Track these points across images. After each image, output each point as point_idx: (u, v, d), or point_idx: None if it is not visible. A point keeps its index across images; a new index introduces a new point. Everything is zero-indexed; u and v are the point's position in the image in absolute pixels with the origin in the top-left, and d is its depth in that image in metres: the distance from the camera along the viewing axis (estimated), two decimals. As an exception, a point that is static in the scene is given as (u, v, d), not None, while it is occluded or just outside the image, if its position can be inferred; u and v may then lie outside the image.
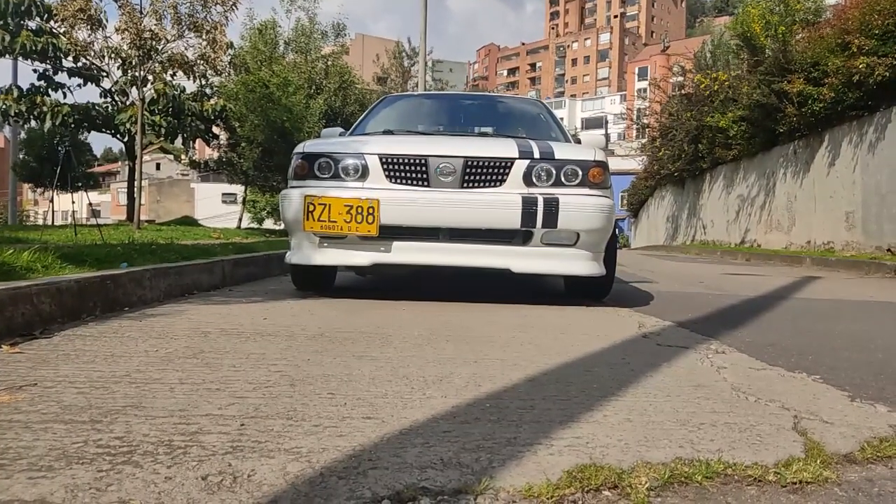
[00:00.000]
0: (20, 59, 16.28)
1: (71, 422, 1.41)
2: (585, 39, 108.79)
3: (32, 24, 16.17)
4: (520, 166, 3.65)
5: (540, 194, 3.57)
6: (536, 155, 3.69)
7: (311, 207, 3.52)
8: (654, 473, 1.21)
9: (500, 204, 3.55)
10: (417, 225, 3.58)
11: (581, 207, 3.58)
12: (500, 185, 3.63)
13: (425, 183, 3.61)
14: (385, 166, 3.66)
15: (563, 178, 3.66)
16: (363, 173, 3.67)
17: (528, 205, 3.53)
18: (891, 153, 9.30)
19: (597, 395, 1.76)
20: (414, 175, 3.63)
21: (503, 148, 3.75)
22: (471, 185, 3.62)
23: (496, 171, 3.63)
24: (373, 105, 5.58)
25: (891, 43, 9.24)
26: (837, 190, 10.71)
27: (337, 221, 3.51)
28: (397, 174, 3.64)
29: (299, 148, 3.94)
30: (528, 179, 3.64)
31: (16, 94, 17.03)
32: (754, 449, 1.37)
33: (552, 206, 3.54)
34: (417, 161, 3.64)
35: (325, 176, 3.72)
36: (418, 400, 1.67)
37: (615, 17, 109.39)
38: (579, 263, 3.68)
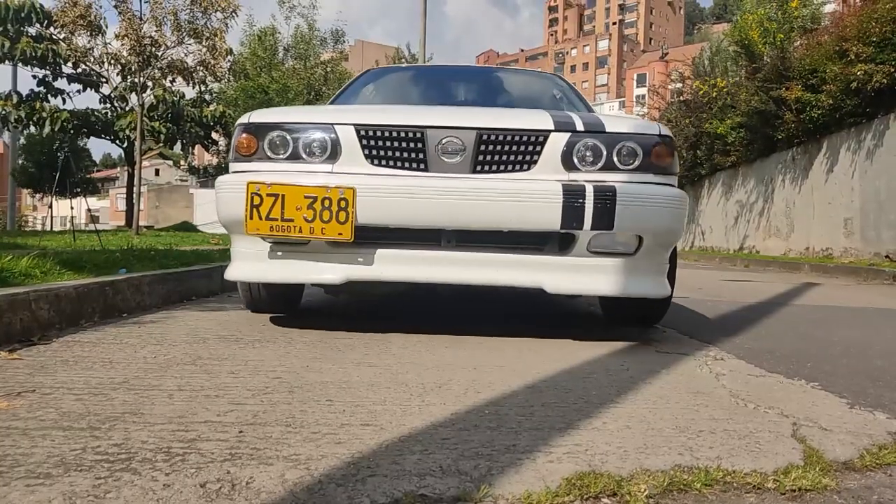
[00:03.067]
0: (20, 64, 16.32)
1: (69, 428, 1.41)
2: (584, 46, 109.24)
3: (32, 31, 16.22)
4: (557, 142, 2.57)
5: (588, 182, 2.51)
6: (579, 127, 2.60)
7: (258, 200, 2.43)
8: (653, 481, 1.21)
9: (532, 195, 2.47)
10: (411, 225, 2.52)
11: (647, 201, 2.52)
12: (529, 168, 2.56)
13: (422, 166, 2.55)
14: (365, 142, 2.57)
15: (616, 160, 2.59)
16: (333, 152, 2.58)
17: (573, 196, 2.45)
18: (889, 160, 9.32)
19: (595, 402, 1.76)
20: (406, 154, 2.57)
21: (532, 118, 2.68)
22: (487, 168, 2.56)
23: (523, 148, 2.56)
24: (350, 81, 4.37)
25: (888, 50, 9.28)
26: (836, 196, 10.74)
27: (294, 220, 2.43)
28: (382, 153, 2.57)
29: (244, 118, 2.75)
30: (568, 161, 2.56)
31: (15, 99, 17.08)
32: (753, 456, 1.37)
33: (607, 199, 2.46)
34: (411, 135, 2.55)
35: (280, 155, 2.61)
36: (417, 407, 1.66)
37: (614, 24, 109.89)
38: (640, 280, 2.63)
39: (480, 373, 2.09)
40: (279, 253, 2.64)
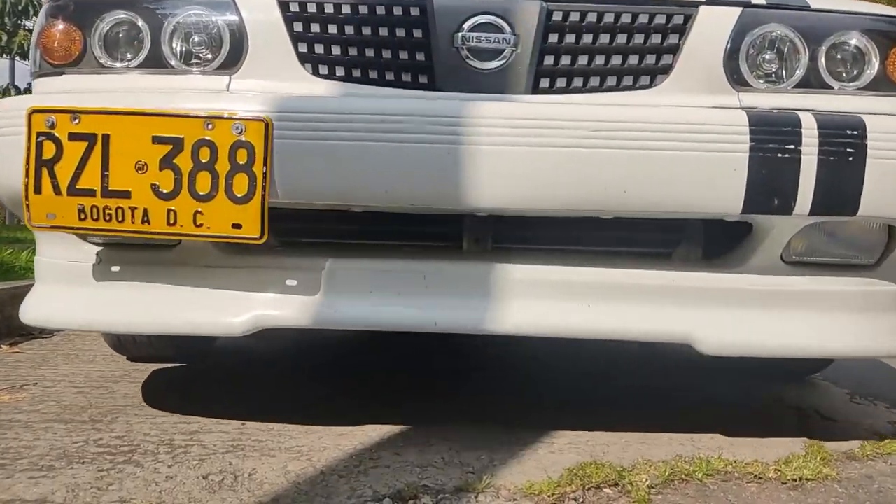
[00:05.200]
0: (17, 58, 16.28)
1: (71, 421, 1.41)
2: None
3: (30, 24, 16.18)
4: (713, 26, 1.29)
5: (794, 109, 1.24)
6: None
7: (52, 149, 1.15)
8: (655, 471, 1.21)
9: (675, 136, 1.17)
10: (400, 204, 1.21)
11: None
12: (654, 80, 1.29)
13: (423, 76, 1.28)
14: (299, 28, 1.27)
15: (829, 68, 1.30)
16: (234, 50, 1.28)
17: (772, 138, 1.18)
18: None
19: (597, 392, 1.76)
20: (388, 54, 1.28)
21: None
22: (563, 82, 1.29)
23: (643, 40, 1.28)
24: None
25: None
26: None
27: (133, 193, 1.15)
28: (336, 52, 1.28)
29: None
30: (735, 65, 1.29)
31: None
32: (754, 446, 1.37)
33: (848, 146, 1.18)
34: (399, 11, 1.26)
35: (127, 60, 1.30)
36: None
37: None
38: (888, 321, 1.34)
39: None
40: (114, 269, 1.30)
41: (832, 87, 1.30)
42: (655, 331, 1.29)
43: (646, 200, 1.19)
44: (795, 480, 1.21)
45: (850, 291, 1.32)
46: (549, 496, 1.11)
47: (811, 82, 1.30)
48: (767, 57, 1.29)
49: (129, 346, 1.82)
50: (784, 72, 1.30)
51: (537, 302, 1.26)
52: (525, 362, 2.15)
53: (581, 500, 1.11)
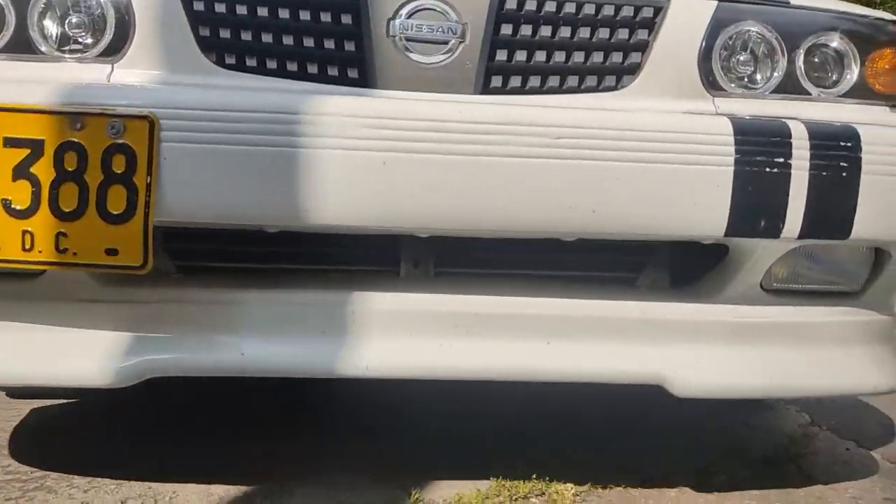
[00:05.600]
0: None
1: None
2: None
3: None
4: (685, 21, 1.12)
5: (780, 118, 1.09)
6: None
7: None
8: (580, 480, 1.24)
9: (649, 146, 1.01)
10: (321, 224, 0.99)
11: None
12: (621, 81, 1.11)
13: (354, 69, 1.05)
14: (201, 7, 1.01)
15: (806, 72, 1.16)
16: (118, 32, 1.01)
17: (759, 149, 1.03)
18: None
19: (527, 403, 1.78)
20: (310, 41, 1.04)
21: None
22: (518, 81, 1.09)
23: (607, 35, 1.10)
24: None
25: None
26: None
27: None
28: (245, 38, 1.03)
29: None
30: (708, 65, 1.13)
31: None
32: (677, 453, 1.42)
33: (841, 160, 1.06)
34: None
35: None
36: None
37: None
38: (868, 356, 1.21)
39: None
40: None
41: (810, 94, 1.17)
42: (623, 372, 1.11)
43: (617, 222, 1.02)
44: (714, 486, 1.26)
45: (835, 322, 1.19)
46: (477, 508, 1.12)
47: (788, 87, 1.16)
48: (742, 58, 1.15)
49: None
50: (759, 75, 1.17)
51: (489, 342, 1.07)
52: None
53: (509, 510, 1.13)
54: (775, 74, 1.15)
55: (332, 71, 1.04)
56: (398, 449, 1.38)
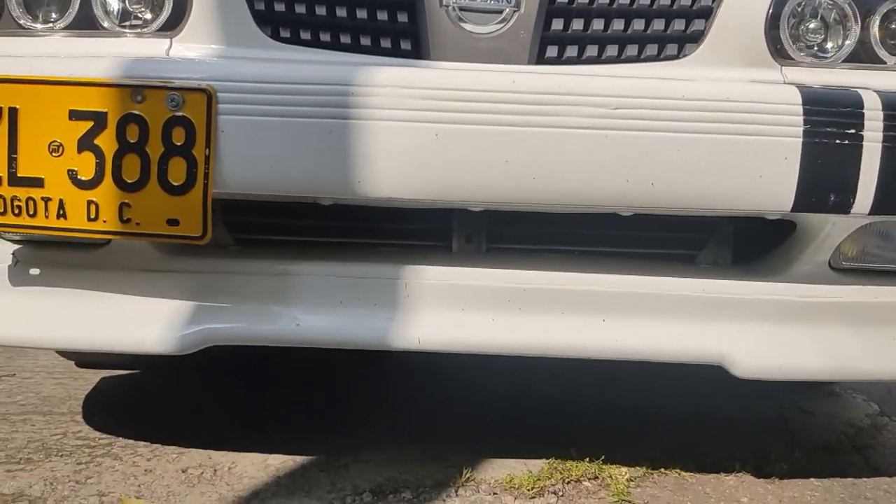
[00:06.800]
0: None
1: (50, 413, 1.40)
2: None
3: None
4: None
5: (852, 87, 1.02)
6: None
7: None
8: (634, 465, 1.22)
9: (710, 116, 0.96)
10: (375, 196, 0.97)
11: None
12: (683, 50, 1.06)
13: (407, 41, 1.04)
14: None
15: (883, 38, 1.08)
16: (176, 9, 1.02)
17: (829, 120, 0.97)
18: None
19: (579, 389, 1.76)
20: (363, 15, 1.02)
21: None
22: (573, 51, 1.05)
23: (667, 2, 1.04)
24: None
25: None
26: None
27: (47, 180, 0.93)
28: (300, 12, 1.02)
29: None
30: (776, 34, 1.06)
31: None
32: (734, 439, 1.38)
33: None
34: None
35: (51, 21, 1.04)
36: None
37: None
38: None
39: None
40: (33, 272, 1.08)
41: (885, 63, 1.09)
42: (681, 351, 1.08)
43: (677, 195, 0.98)
44: (773, 474, 1.23)
45: None
46: (528, 490, 1.12)
47: (861, 56, 1.10)
48: (812, 26, 1.09)
49: (71, 352, 1.58)
50: (830, 43, 1.10)
51: (546, 317, 1.06)
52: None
53: (561, 493, 1.12)
54: (847, 42, 1.08)
55: (386, 43, 1.03)
56: (450, 427, 1.39)
